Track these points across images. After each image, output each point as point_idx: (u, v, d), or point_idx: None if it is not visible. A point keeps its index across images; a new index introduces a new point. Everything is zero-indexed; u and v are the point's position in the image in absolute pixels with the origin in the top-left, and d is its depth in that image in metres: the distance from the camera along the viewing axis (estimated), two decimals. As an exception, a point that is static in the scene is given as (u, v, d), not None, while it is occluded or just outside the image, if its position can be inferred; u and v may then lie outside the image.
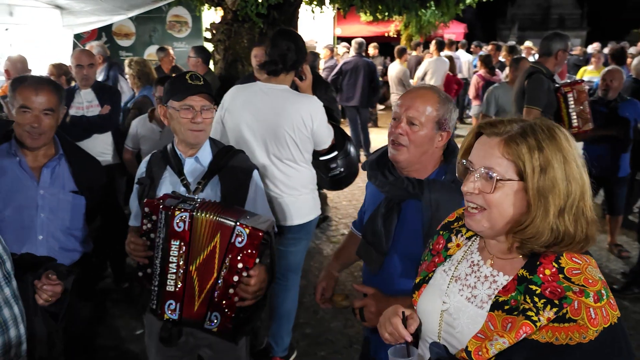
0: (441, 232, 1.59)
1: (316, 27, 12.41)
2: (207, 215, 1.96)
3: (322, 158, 3.28)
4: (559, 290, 1.23)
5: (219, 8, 6.66)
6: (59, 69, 5.42)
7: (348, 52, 11.22)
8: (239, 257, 1.95)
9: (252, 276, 1.97)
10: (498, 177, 1.28)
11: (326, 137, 3.19)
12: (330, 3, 5.94)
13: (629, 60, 8.29)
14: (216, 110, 2.33)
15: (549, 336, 1.23)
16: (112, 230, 2.85)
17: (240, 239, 1.94)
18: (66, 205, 2.52)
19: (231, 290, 1.99)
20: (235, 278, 1.97)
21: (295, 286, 3.44)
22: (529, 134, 1.28)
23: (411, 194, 1.98)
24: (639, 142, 4.74)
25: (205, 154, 2.29)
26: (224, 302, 2.00)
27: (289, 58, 3.04)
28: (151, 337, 2.32)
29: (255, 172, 2.39)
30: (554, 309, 1.22)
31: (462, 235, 1.53)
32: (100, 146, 4.54)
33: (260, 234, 1.95)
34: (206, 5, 6.87)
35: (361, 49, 8.69)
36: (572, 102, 4.26)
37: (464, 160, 1.38)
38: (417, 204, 1.98)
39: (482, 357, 1.27)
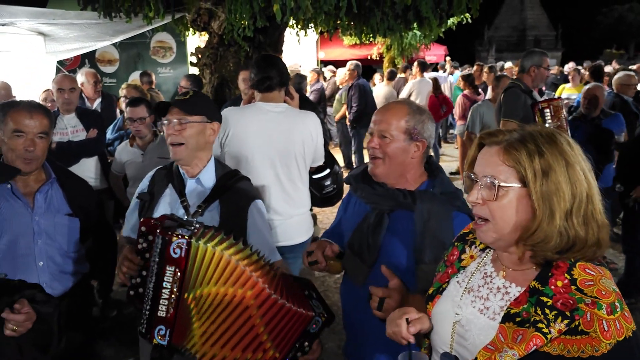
0: (456, 244, 1.59)
1: (300, 51, 12.53)
2: (215, 248, 1.84)
3: (314, 177, 3.33)
4: (571, 302, 1.22)
5: (204, 33, 6.70)
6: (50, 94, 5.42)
7: (334, 76, 11.34)
8: (308, 340, 1.86)
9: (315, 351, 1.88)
10: (499, 184, 1.29)
11: (322, 153, 3.26)
12: (315, 26, 6.00)
13: (605, 78, 8.53)
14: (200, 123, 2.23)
15: (561, 349, 1.21)
16: (103, 251, 2.81)
17: (314, 326, 1.85)
18: (62, 228, 2.48)
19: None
20: (299, 354, 1.87)
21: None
22: (528, 140, 1.29)
23: (402, 203, 1.99)
24: (623, 154, 4.83)
25: (208, 176, 2.25)
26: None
27: (276, 76, 3.11)
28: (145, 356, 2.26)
29: (259, 202, 2.32)
30: (565, 321, 1.20)
31: (475, 247, 1.52)
32: (88, 170, 4.50)
33: (331, 318, 1.87)
34: (191, 30, 6.92)
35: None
36: (549, 117, 4.34)
37: (469, 173, 1.39)
38: (407, 214, 1.99)
39: None
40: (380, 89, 9.63)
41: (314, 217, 6.38)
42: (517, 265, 1.37)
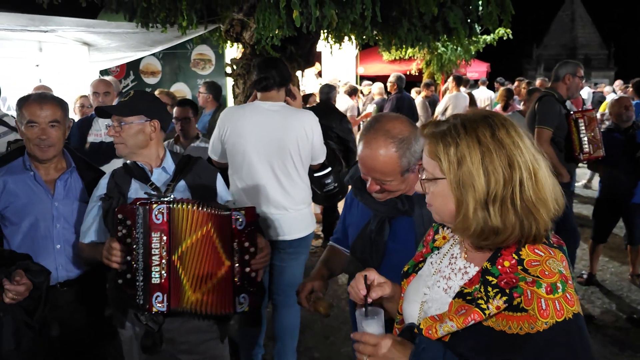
0: (433, 225, 1.63)
1: (339, 66, 12.69)
2: (187, 206, 2.05)
3: (316, 174, 3.38)
4: (514, 280, 1.23)
5: (239, 45, 6.88)
6: (86, 99, 5.70)
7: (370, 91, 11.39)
8: (243, 238, 2.15)
9: (263, 248, 2.19)
10: (423, 177, 1.38)
11: (321, 151, 3.31)
12: (345, 37, 6.06)
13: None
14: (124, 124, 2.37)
15: (503, 324, 1.23)
16: None
17: (239, 222, 2.15)
18: (80, 215, 2.61)
19: (247, 269, 2.16)
20: (247, 257, 2.15)
21: (296, 302, 3.42)
22: (447, 132, 1.31)
23: (401, 211, 1.98)
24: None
25: (170, 164, 2.44)
26: (245, 282, 2.16)
27: (276, 75, 3.20)
28: (131, 351, 2.34)
29: (218, 175, 2.55)
30: (504, 298, 1.22)
31: (447, 228, 1.55)
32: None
33: (254, 210, 2.18)
34: (229, 43, 7.11)
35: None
36: (583, 128, 4.26)
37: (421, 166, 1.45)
38: (408, 220, 1.98)
39: (430, 335, 1.31)
40: (417, 103, 9.63)
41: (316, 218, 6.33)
42: (476, 247, 1.39)
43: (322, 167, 3.44)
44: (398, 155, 1.90)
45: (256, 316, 3.44)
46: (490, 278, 1.28)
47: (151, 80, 9.91)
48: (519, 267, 1.26)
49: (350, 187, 2.24)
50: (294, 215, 3.26)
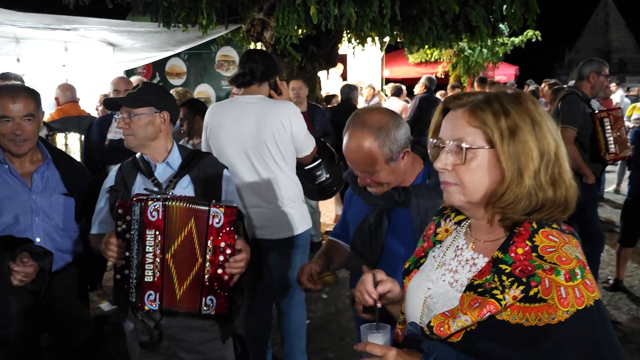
0: (434, 218, 1.56)
1: (364, 69, 12.66)
2: (180, 203, 2.00)
3: (307, 167, 3.31)
4: (530, 268, 1.17)
5: (261, 45, 6.92)
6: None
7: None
8: (219, 237, 2.01)
9: (241, 250, 2.05)
10: (467, 146, 1.24)
11: (306, 143, 3.19)
12: (363, 34, 6.03)
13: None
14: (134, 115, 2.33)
15: (520, 317, 1.16)
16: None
17: (217, 219, 2.00)
18: (58, 207, 2.58)
19: (220, 271, 2.03)
20: (221, 258, 2.02)
21: (301, 302, 3.37)
22: (493, 101, 1.24)
23: (398, 202, 1.95)
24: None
25: (175, 158, 2.37)
26: (215, 284, 2.03)
27: (256, 69, 3.11)
28: (133, 346, 2.32)
29: (226, 171, 2.46)
30: (521, 287, 1.15)
31: (450, 220, 1.48)
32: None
33: (235, 209, 2.02)
34: (252, 44, 7.16)
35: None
36: (608, 127, 4.12)
37: (434, 140, 1.34)
38: (406, 211, 1.94)
39: (443, 332, 1.23)
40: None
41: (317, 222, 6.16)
42: (487, 236, 1.32)
43: (313, 161, 3.32)
44: (378, 145, 1.89)
45: (262, 317, 3.38)
46: (503, 267, 1.21)
47: (176, 82, 10.02)
48: (534, 254, 1.19)
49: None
50: (278, 212, 3.14)
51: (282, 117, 3.07)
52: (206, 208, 2.01)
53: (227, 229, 2.01)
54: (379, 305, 1.45)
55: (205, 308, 2.04)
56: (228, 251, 2.02)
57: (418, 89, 8.66)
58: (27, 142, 2.48)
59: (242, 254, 2.06)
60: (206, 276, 2.02)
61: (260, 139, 3.06)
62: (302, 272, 2.11)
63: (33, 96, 2.52)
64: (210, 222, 2.00)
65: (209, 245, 2.01)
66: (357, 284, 1.52)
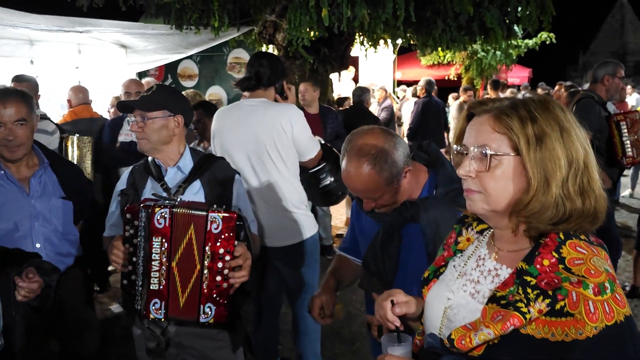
0: (455, 226, 1.51)
1: (376, 71, 12.61)
2: (182, 210, 1.96)
3: (310, 171, 3.24)
4: (556, 280, 1.11)
5: (273, 47, 6.90)
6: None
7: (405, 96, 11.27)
8: (218, 244, 1.95)
9: (239, 256, 1.98)
10: (491, 153, 1.20)
11: (309, 146, 3.13)
12: (376, 36, 5.99)
13: None
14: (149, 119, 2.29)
15: (545, 331, 1.11)
16: (97, 233, 2.88)
17: (215, 225, 1.94)
18: (57, 211, 2.56)
19: (219, 278, 1.97)
20: (220, 264, 1.96)
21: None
22: (519, 106, 1.20)
23: (407, 218, 1.88)
24: None
25: (187, 162, 2.32)
26: (214, 291, 1.97)
27: (262, 74, 3.07)
28: (141, 351, 2.29)
29: (237, 176, 2.40)
30: (547, 300, 1.10)
31: (472, 229, 1.43)
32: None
33: (234, 215, 1.96)
34: (264, 46, 7.14)
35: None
36: (625, 131, 4.04)
37: (457, 146, 1.29)
38: (417, 226, 1.88)
39: (464, 346, 1.18)
40: (453, 108, 9.48)
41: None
42: (510, 246, 1.28)
43: (318, 164, 3.25)
44: (375, 172, 1.81)
45: (270, 324, 3.33)
46: (528, 278, 1.16)
47: (188, 84, 10.04)
48: (560, 266, 1.14)
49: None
50: (281, 218, 3.07)
51: (282, 120, 3.01)
52: (204, 214, 1.95)
53: (226, 234, 1.95)
54: (400, 328, 1.41)
55: (203, 316, 1.98)
56: (227, 258, 1.97)
57: (418, 92, 8.59)
58: (21, 147, 2.43)
59: (241, 262, 1.99)
60: (204, 284, 1.97)
61: (260, 142, 3.02)
62: (312, 305, 2.08)
63: (25, 100, 2.46)
64: (208, 228, 1.95)
65: (207, 251, 1.95)
66: (375, 308, 1.47)
